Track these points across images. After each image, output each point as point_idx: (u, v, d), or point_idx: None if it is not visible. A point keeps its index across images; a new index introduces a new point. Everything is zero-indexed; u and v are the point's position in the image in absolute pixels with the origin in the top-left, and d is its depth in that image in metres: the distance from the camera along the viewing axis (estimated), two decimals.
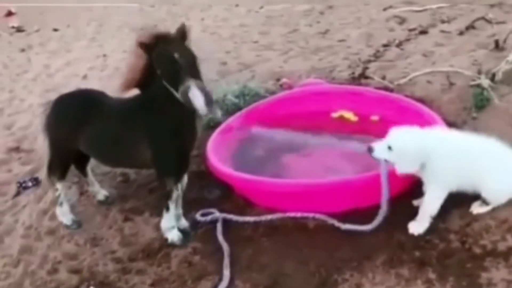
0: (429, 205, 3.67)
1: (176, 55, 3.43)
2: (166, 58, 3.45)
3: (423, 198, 3.70)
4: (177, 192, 3.94)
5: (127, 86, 3.77)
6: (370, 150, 3.61)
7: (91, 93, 4.29)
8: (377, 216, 3.69)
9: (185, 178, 4.07)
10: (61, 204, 4.36)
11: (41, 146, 5.65)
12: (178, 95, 3.45)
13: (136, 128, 3.80)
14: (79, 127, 3.95)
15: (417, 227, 3.68)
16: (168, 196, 3.93)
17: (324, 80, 5.76)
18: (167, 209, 3.96)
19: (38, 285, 3.84)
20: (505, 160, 3.60)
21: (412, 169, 3.57)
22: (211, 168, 4.31)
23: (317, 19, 8.69)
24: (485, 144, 3.64)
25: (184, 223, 4.13)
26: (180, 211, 4.11)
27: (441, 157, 3.54)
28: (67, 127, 4.03)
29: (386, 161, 3.60)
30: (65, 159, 4.26)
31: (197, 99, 3.35)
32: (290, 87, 5.65)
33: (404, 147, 3.53)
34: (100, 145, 4.02)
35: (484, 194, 3.61)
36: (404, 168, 3.58)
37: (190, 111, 3.47)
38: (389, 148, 3.56)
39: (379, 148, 3.59)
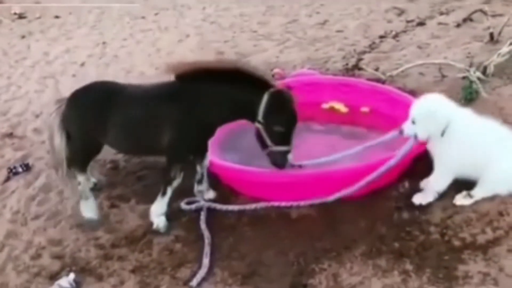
0: (436, 180, 3.74)
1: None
2: (294, 122, 3.72)
3: (432, 175, 3.76)
4: (179, 180, 3.96)
5: (173, 70, 3.87)
6: (401, 132, 3.73)
7: (107, 84, 4.28)
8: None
9: (207, 158, 4.14)
10: (86, 197, 4.23)
11: (33, 133, 5.79)
12: (273, 148, 3.75)
13: (164, 112, 3.86)
14: (101, 118, 3.95)
15: (420, 198, 3.78)
16: (169, 181, 3.95)
17: (316, 71, 5.75)
18: (164, 194, 3.98)
19: (21, 270, 3.87)
20: None
21: (437, 131, 3.57)
22: None
23: (317, 10, 8.66)
24: (497, 130, 3.68)
25: (211, 193, 4.24)
26: (206, 185, 4.22)
27: (457, 131, 3.56)
28: (90, 119, 4.01)
29: (416, 137, 3.67)
30: (87, 152, 4.21)
31: (289, 161, 3.78)
32: (282, 77, 5.64)
33: (421, 112, 3.60)
34: (123, 132, 4.00)
35: (484, 181, 3.62)
36: (431, 131, 3.60)
37: (224, 116, 3.82)
38: (413, 122, 3.63)
39: (406, 126, 3.69)
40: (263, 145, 3.79)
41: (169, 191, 3.97)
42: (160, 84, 4.08)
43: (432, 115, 3.55)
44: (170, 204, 4.17)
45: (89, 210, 4.23)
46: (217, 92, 3.74)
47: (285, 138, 3.75)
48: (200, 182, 4.21)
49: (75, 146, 4.15)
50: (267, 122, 3.70)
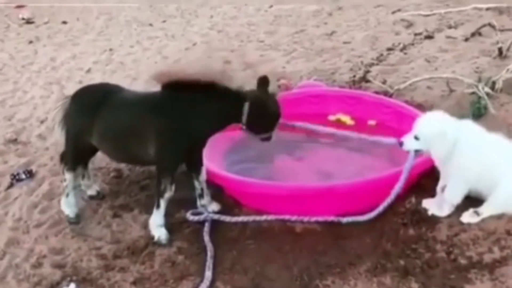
0: (451, 195, 3.70)
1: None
2: (276, 119, 3.98)
3: (446, 188, 3.73)
4: (170, 193, 3.94)
5: (159, 79, 3.94)
6: (400, 144, 3.72)
7: (106, 87, 4.40)
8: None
9: (204, 171, 4.11)
10: (67, 195, 4.34)
11: (38, 139, 5.77)
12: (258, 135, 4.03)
13: (148, 122, 3.88)
14: (92, 119, 4.02)
15: (437, 210, 3.75)
16: (161, 194, 3.93)
17: (323, 83, 5.71)
18: (158, 206, 3.96)
19: (21, 279, 3.83)
20: None
21: (445, 152, 3.56)
22: None
23: (325, 20, 8.65)
24: (506, 147, 3.66)
25: (215, 206, 4.22)
26: (208, 198, 4.21)
27: (466, 148, 3.55)
28: (82, 119, 4.09)
29: (417, 151, 3.69)
30: (78, 152, 4.28)
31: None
32: (288, 88, 5.61)
33: (428, 132, 3.59)
34: (110, 135, 4.05)
35: (492, 199, 3.58)
36: (437, 152, 3.62)
37: (210, 125, 3.91)
38: (416, 138, 3.61)
39: (407, 140, 3.68)
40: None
41: (162, 204, 3.95)
42: (147, 94, 4.20)
43: (442, 136, 3.52)
44: (172, 215, 4.16)
45: (67, 206, 4.34)
46: (203, 103, 3.80)
47: (266, 130, 4.04)
48: (201, 196, 4.18)
49: (68, 144, 4.26)
50: (251, 129, 4.00)
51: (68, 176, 4.32)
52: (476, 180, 3.61)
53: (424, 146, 3.64)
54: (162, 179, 3.92)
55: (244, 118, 3.87)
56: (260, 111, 3.86)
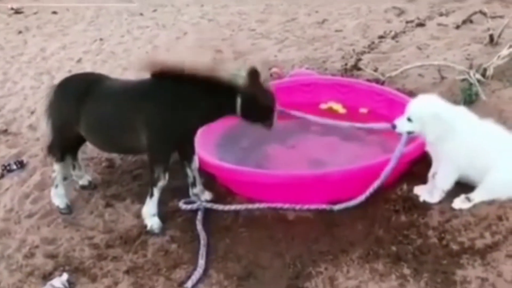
0: (442, 181, 3.70)
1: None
2: (272, 108, 3.90)
3: (437, 174, 3.74)
4: (164, 181, 3.92)
5: (147, 68, 3.90)
6: (393, 127, 3.70)
7: (92, 76, 4.36)
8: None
9: (196, 160, 4.10)
10: (56, 186, 4.32)
11: (28, 129, 5.73)
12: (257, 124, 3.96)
13: (138, 111, 3.84)
14: (78, 110, 3.97)
15: (428, 196, 3.77)
16: (154, 183, 3.91)
17: (314, 71, 5.70)
18: (151, 195, 3.95)
19: (13, 269, 3.81)
20: None
21: (438, 135, 3.56)
22: None
23: (316, 9, 8.62)
24: (498, 133, 3.68)
25: (207, 195, 4.21)
26: (201, 187, 4.20)
27: (458, 134, 3.55)
28: (67, 109, 4.04)
29: (409, 133, 3.70)
30: (65, 142, 4.25)
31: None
32: (279, 76, 5.60)
33: (421, 113, 3.58)
34: (98, 126, 4.01)
35: (483, 184, 3.59)
36: (430, 135, 3.60)
37: (202, 115, 3.84)
38: (409, 120, 3.61)
39: (400, 122, 3.68)
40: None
41: (156, 192, 3.93)
42: (135, 82, 4.12)
43: (435, 117, 3.52)
44: (165, 203, 4.15)
45: (57, 197, 4.33)
46: (194, 93, 3.75)
47: (263, 119, 3.95)
48: (194, 185, 4.17)
49: (54, 134, 4.22)
50: (247, 120, 3.94)
51: (57, 167, 4.30)
52: (468, 166, 3.62)
53: (417, 128, 3.62)
54: (155, 168, 3.89)
55: (238, 110, 3.83)
56: (252, 104, 3.81)
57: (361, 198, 3.81)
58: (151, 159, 3.95)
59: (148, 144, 3.85)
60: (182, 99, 3.79)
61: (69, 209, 4.34)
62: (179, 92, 3.78)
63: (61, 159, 4.30)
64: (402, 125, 3.67)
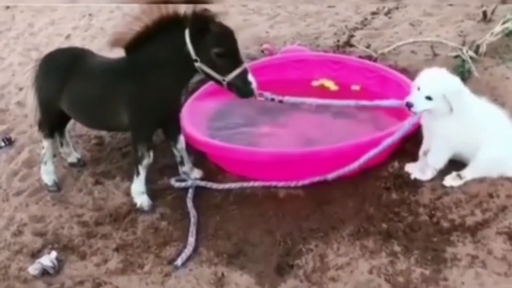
0: (435, 159, 3.68)
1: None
2: (231, 37, 3.47)
3: (429, 153, 3.70)
4: (149, 159, 3.88)
5: (115, 44, 3.78)
6: (409, 105, 3.47)
7: (76, 51, 4.29)
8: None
9: (182, 140, 4.02)
10: (45, 162, 4.30)
11: (16, 106, 5.66)
12: (226, 77, 3.49)
13: (117, 91, 3.79)
14: (60, 85, 3.94)
15: (420, 174, 3.74)
16: (138, 161, 3.88)
17: (307, 47, 5.64)
18: (138, 173, 3.92)
19: (1, 247, 3.80)
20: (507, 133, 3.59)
21: (447, 109, 3.45)
22: (184, 135, 4.22)
23: None
24: (491, 111, 3.65)
25: (196, 173, 4.14)
26: (189, 165, 4.14)
27: (458, 109, 3.47)
28: (51, 85, 4.01)
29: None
30: (52, 118, 4.21)
31: (253, 82, 3.53)
32: (271, 53, 5.53)
33: (445, 90, 3.41)
34: (80, 104, 3.98)
35: (475, 162, 3.59)
36: (442, 110, 3.46)
37: (173, 79, 3.63)
38: (428, 98, 3.43)
39: (417, 101, 3.45)
40: (217, 82, 3.60)
41: (142, 171, 3.90)
42: (113, 60, 3.99)
43: (459, 93, 3.45)
44: (155, 181, 4.12)
45: (45, 174, 4.32)
46: (160, 54, 3.57)
47: (231, 60, 3.49)
48: (182, 163, 4.13)
49: (41, 110, 4.19)
50: (203, 54, 3.48)
51: (46, 143, 4.27)
52: (460, 144, 3.60)
53: (437, 106, 3.44)
54: (139, 146, 3.87)
55: (190, 47, 3.44)
56: (203, 29, 3.39)
57: (355, 165, 3.75)
58: (134, 138, 3.94)
59: (130, 122, 3.82)
60: (154, 70, 3.62)
61: (57, 186, 4.31)
62: (149, 62, 3.62)
63: (49, 135, 4.26)
64: (420, 104, 3.45)
